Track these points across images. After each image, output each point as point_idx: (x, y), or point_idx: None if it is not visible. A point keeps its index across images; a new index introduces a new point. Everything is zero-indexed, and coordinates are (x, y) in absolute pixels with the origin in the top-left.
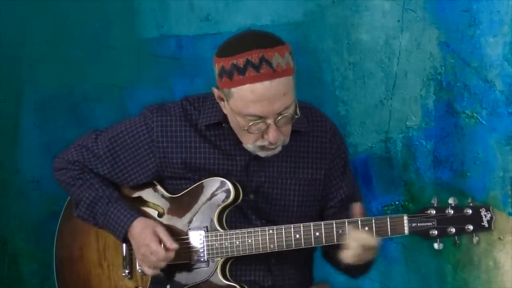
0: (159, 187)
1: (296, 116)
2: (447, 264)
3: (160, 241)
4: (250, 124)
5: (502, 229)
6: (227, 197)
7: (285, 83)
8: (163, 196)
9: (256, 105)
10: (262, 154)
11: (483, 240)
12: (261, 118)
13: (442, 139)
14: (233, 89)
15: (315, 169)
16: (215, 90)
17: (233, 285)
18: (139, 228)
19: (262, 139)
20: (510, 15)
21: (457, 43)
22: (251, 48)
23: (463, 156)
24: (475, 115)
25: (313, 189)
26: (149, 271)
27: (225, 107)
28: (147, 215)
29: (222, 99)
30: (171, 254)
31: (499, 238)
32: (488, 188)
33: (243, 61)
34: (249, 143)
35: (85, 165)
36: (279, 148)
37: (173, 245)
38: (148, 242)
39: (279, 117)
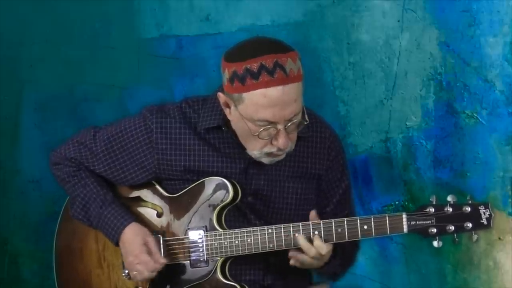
0: (158, 187)
1: (305, 123)
2: (447, 264)
3: (150, 253)
4: (261, 129)
5: (502, 229)
6: (226, 196)
7: (296, 89)
8: (162, 196)
9: (268, 110)
10: (266, 160)
11: (483, 240)
12: (272, 123)
13: (442, 139)
14: (245, 94)
15: (312, 174)
16: (220, 96)
17: (233, 285)
18: (130, 235)
19: (270, 146)
20: (510, 15)
21: (457, 43)
22: (265, 53)
23: (463, 156)
24: (475, 115)
25: (309, 192)
26: (135, 278)
27: (231, 113)
28: (146, 216)
29: (227, 105)
30: (159, 267)
31: (499, 238)
32: (488, 188)
33: (257, 66)
34: (256, 149)
35: (81, 162)
36: (283, 155)
37: (161, 260)
38: (138, 252)
39: (289, 123)
